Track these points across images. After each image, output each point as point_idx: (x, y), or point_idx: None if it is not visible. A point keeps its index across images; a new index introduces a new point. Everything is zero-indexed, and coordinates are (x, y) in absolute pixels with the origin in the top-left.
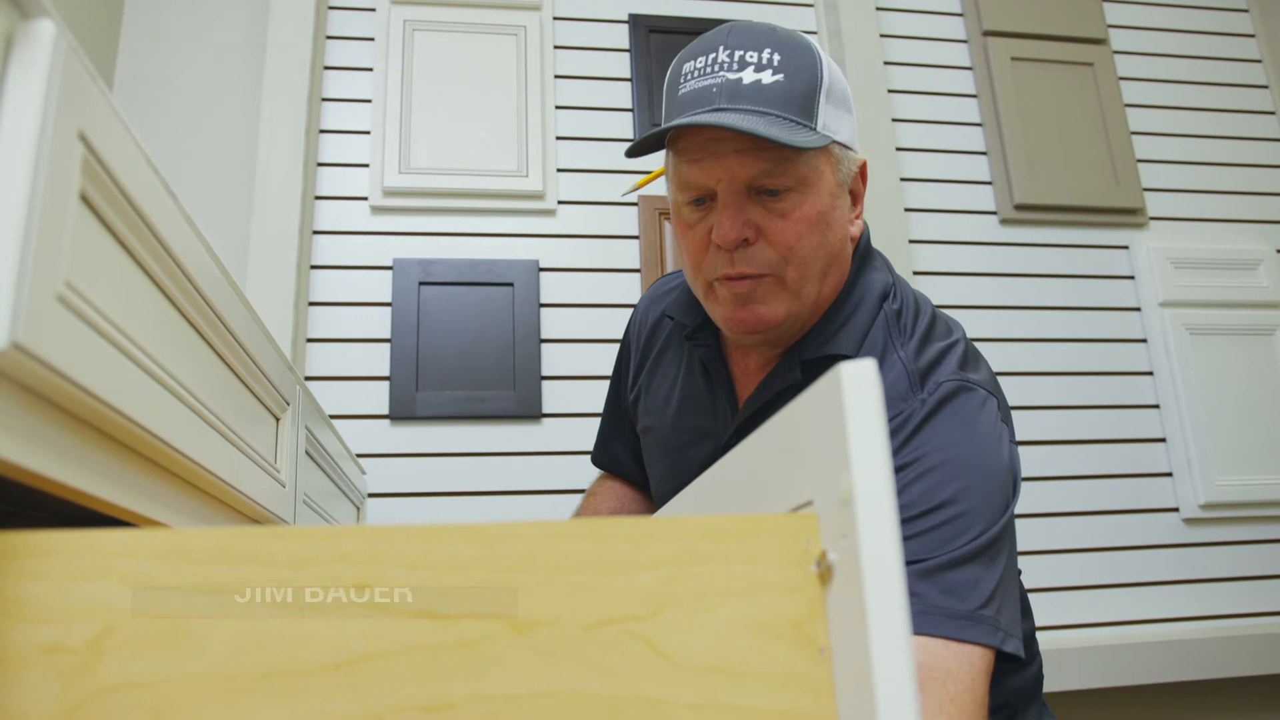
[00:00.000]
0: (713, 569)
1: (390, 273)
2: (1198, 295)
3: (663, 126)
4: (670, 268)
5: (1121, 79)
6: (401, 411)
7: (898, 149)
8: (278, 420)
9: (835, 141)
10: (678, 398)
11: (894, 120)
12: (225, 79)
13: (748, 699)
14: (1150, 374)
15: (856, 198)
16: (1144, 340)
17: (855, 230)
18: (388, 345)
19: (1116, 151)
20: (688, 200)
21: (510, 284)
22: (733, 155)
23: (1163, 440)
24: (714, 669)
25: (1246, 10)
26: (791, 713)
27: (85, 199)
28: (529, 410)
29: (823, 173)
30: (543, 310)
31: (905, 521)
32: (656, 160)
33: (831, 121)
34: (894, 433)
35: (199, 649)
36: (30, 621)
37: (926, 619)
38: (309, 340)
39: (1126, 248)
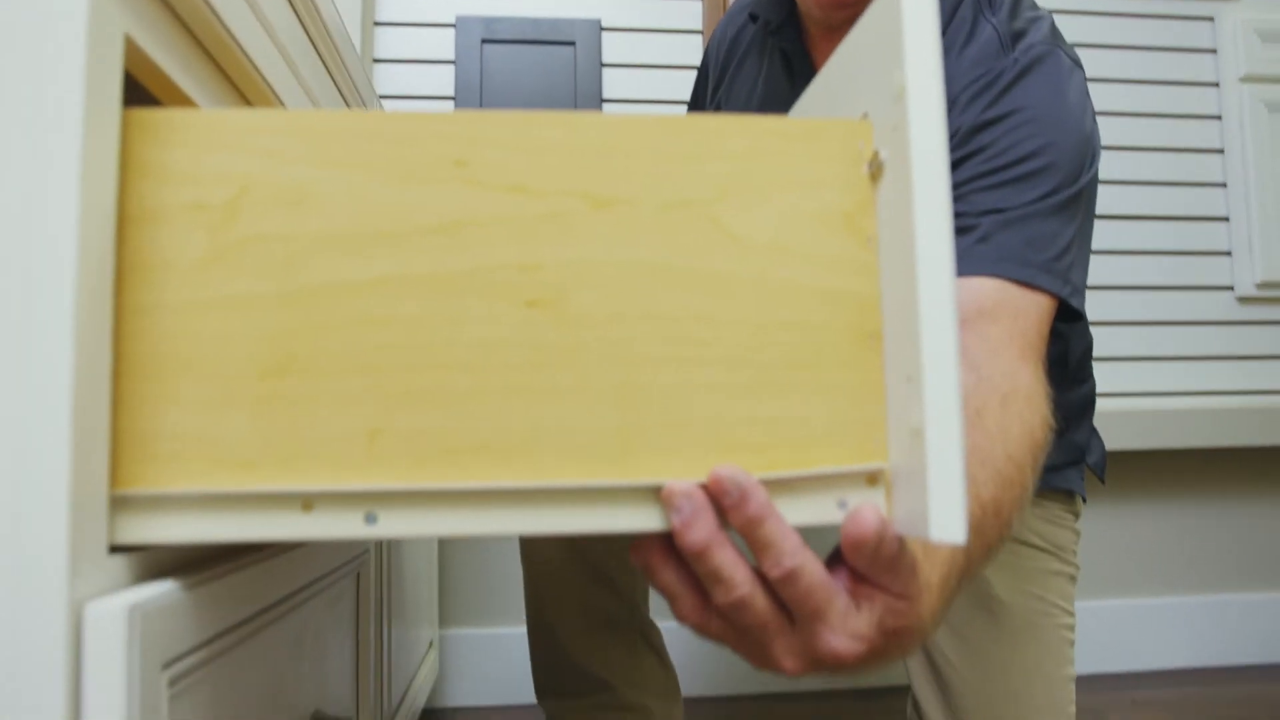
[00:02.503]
0: (777, 163)
1: (453, 30)
2: (1260, 69)
3: None
4: None
5: None
6: None
7: None
8: None
9: None
10: (758, 97)
11: None
12: None
13: (802, 276)
14: (1221, 151)
15: None
16: (1219, 117)
17: None
18: (451, 103)
19: None
20: None
21: (572, 43)
22: None
23: (1225, 219)
24: (774, 248)
25: None
26: (840, 290)
27: None
28: None
29: None
30: (604, 70)
31: (992, 171)
32: None
33: None
34: (985, 89)
35: (321, 211)
36: (176, 183)
37: (1004, 264)
38: (379, 96)
39: (1211, 19)
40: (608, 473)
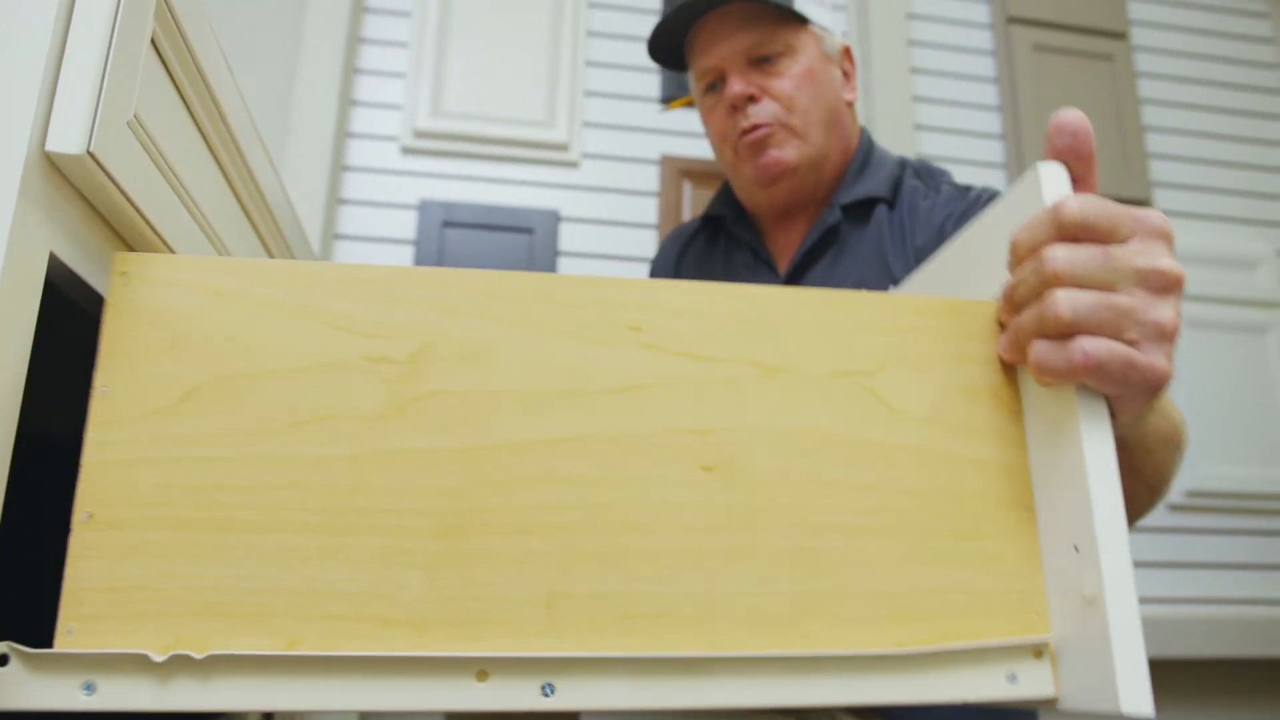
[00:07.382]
0: (925, 339)
1: (415, 213)
2: (1195, 290)
3: (667, 12)
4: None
5: (1139, 74)
6: None
7: (916, 126)
8: None
9: (813, 22)
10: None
11: (914, 99)
12: (266, 18)
13: (958, 446)
14: None
15: (848, 75)
16: None
17: (850, 96)
18: None
19: (1129, 144)
20: (705, 88)
21: (530, 230)
22: (730, 35)
23: None
24: (930, 420)
25: (1266, 16)
26: (992, 460)
27: (155, 45)
28: None
29: (807, 44)
30: (560, 258)
31: None
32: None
33: (813, 11)
34: (966, 211)
35: (502, 368)
36: (359, 335)
37: None
38: None
39: None
40: (783, 642)
